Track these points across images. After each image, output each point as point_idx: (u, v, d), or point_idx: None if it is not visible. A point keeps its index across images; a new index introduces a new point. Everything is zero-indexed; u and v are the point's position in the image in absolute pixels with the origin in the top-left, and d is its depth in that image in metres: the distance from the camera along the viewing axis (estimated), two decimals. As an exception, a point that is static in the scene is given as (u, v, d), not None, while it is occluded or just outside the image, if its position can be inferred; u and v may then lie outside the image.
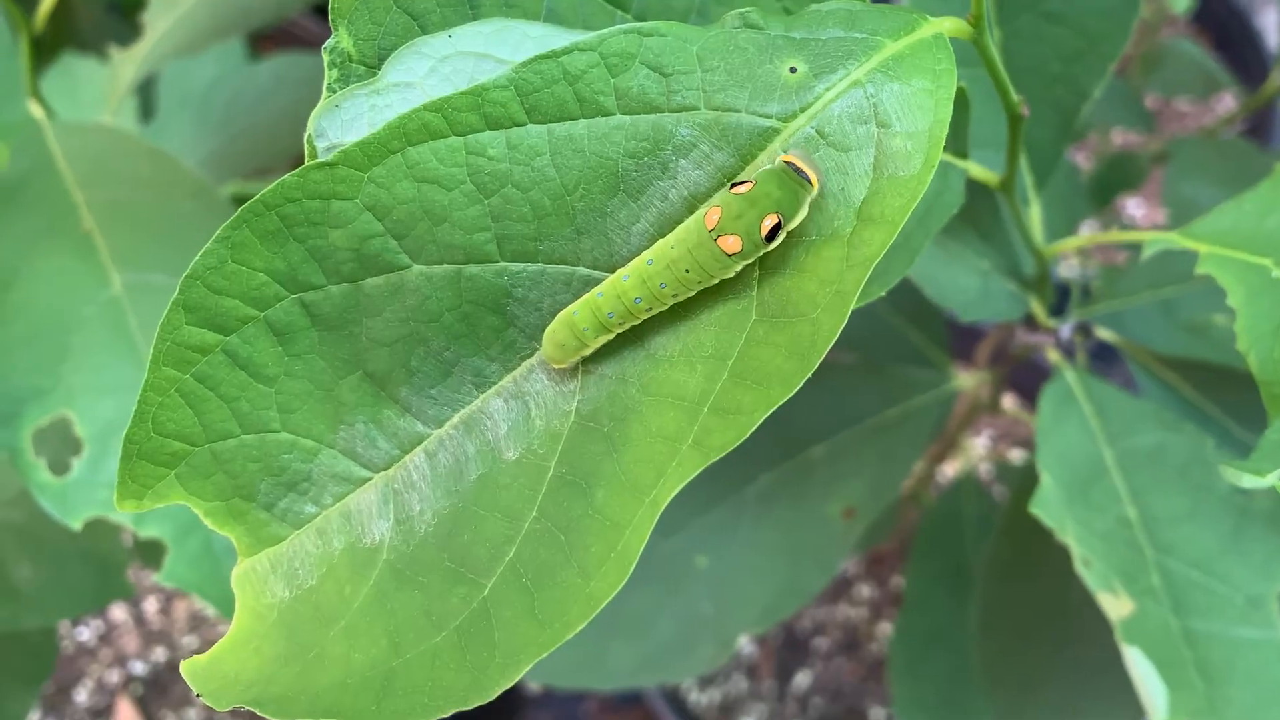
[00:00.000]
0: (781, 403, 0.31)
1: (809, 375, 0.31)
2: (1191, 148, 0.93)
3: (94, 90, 0.92)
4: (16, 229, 0.67)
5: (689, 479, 0.31)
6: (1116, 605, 0.54)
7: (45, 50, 0.91)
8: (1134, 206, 1.59)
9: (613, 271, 0.34)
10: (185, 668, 0.33)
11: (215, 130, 0.94)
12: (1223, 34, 1.69)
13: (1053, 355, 0.68)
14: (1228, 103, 1.65)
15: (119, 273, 0.66)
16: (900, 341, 0.89)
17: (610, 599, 0.30)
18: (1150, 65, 1.19)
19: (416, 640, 0.32)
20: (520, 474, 0.33)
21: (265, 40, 1.46)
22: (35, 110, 0.72)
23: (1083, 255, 1.17)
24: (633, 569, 0.30)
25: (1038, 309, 0.67)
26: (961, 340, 1.27)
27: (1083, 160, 1.53)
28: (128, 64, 0.82)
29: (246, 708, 0.32)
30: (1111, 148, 1.43)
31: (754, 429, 0.31)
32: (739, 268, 0.33)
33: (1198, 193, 0.88)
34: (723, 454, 0.31)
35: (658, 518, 0.31)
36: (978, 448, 1.40)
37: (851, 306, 0.32)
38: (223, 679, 0.33)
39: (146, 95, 1.00)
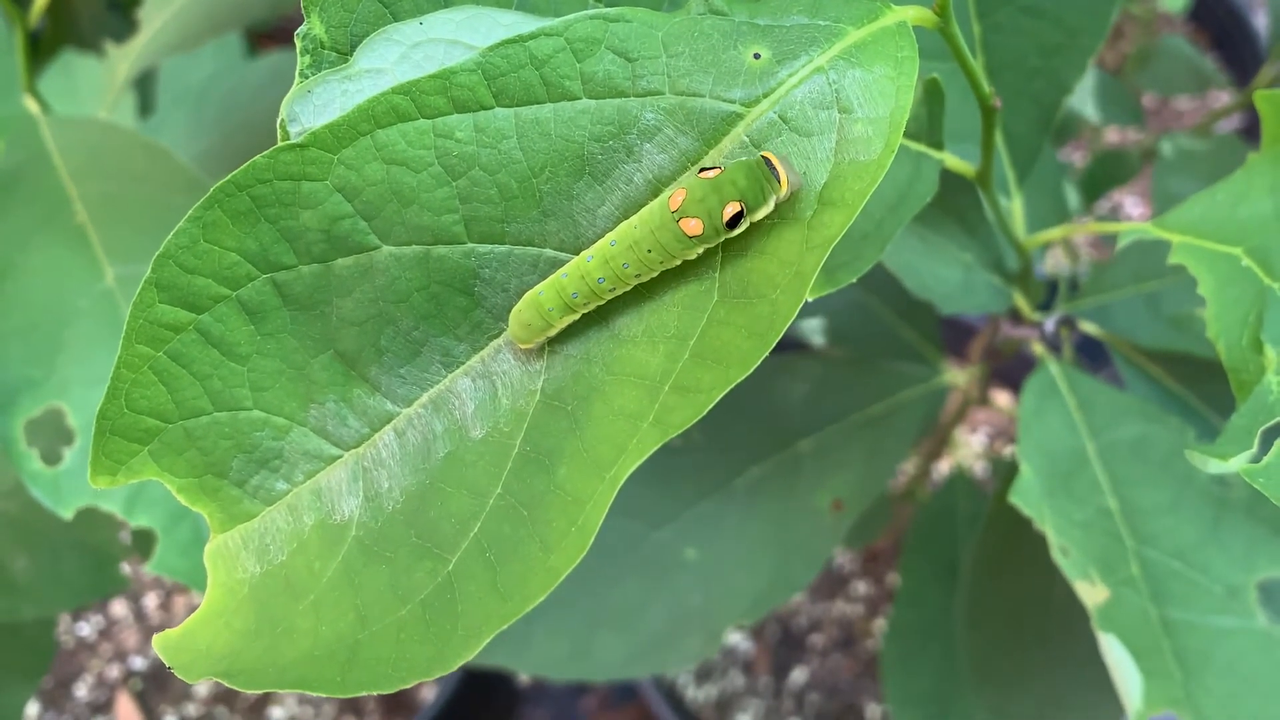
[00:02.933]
0: (739, 381, 0.32)
1: (766, 354, 0.32)
2: (1180, 144, 0.93)
3: (92, 86, 0.93)
4: (11, 222, 0.67)
5: (647, 455, 0.31)
6: (1092, 593, 0.55)
7: (44, 47, 0.92)
8: (1131, 205, 1.59)
9: (579, 253, 0.35)
10: (158, 641, 0.34)
11: (212, 125, 0.94)
12: (1221, 32, 1.70)
13: (1037, 348, 0.68)
14: (1227, 101, 1.65)
15: (112, 265, 0.67)
16: (892, 337, 0.90)
17: (569, 572, 0.31)
18: (1143, 62, 1.20)
19: (382, 613, 0.33)
20: (486, 452, 0.34)
21: (264, 38, 1.47)
22: (31, 105, 0.73)
23: (1071, 250, 1.18)
24: (591, 542, 0.31)
25: (1021, 302, 0.67)
26: (958, 336, 1.27)
27: (1080, 158, 1.53)
28: (123, 60, 0.83)
29: (216, 680, 0.33)
30: (1105, 144, 1.43)
31: (711, 406, 0.31)
32: (700, 250, 0.34)
33: (1185, 188, 0.88)
34: (680, 431, 0.31)
35: (616, 494, 0.31)
36: (974, 444, 1.40)
37: (809, 287, 0.32)
38: (194, 652, 0.34)
39: (145, 91, 1.01)
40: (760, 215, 0.34)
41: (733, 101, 0.34)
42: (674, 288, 0.35)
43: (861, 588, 1.33)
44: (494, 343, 0.35)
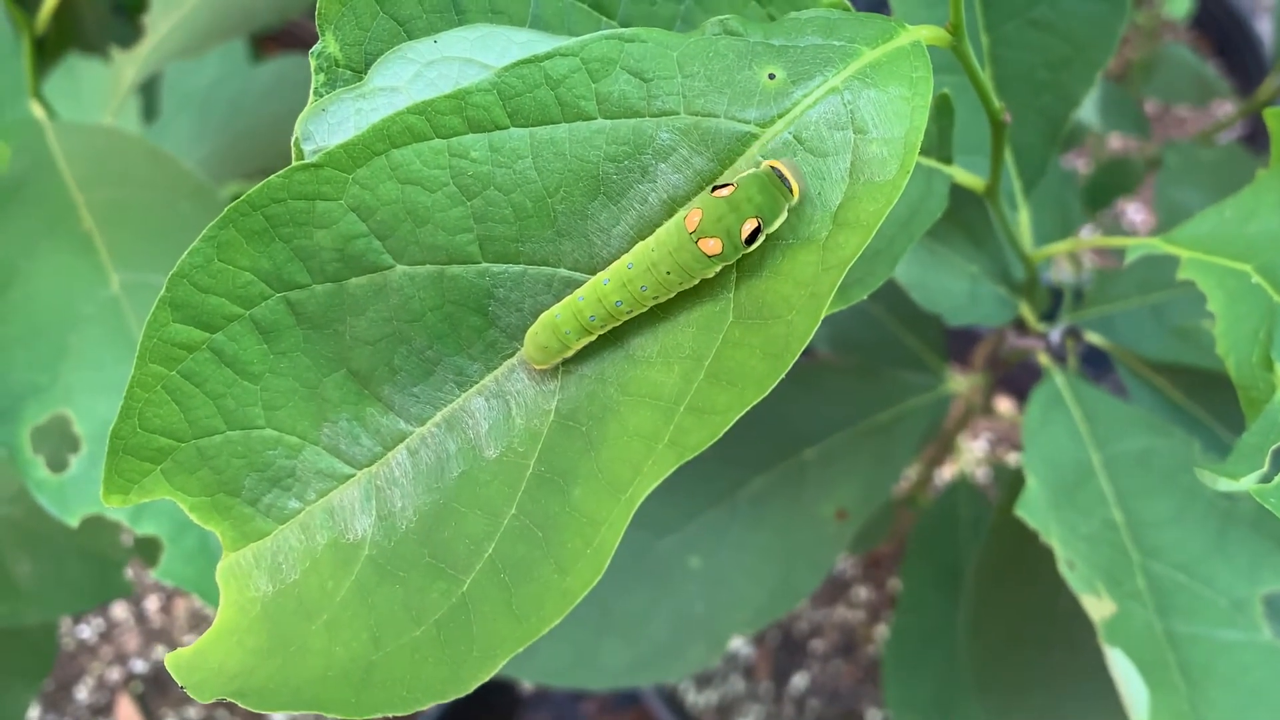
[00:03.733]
0: (755, 403, 0.32)
1: (782, 376, 0.32)
2: (1184, 153, 0.93)
3: (97, 91, 0.93)
4: (17, 228, 0.67)
5: (664, 477, 0.31)
6: (1099, 606, 0.55)
7: (49, 51, 0.92)
8: (1134, 211, 1.59)
9: (593, 273, 0.35)
10: (170, 660, 0.34)
11: (216, 131, 0.94)
12: (1223, 40, 1.70)
13: (1043, 359, 0.68)
14: (1229, 109, 1.65)
15: (118, 272, 0.67)
16: (897, 345, 0.90)
17: (585, 594, 0.31)
18: (1147, 71, 1.19)
19: (396, 634, 0.33)
20: (500, 472, 0.34)
21: (268, 42, 1.47)
22: (36, 110, 0.73)
23: (1076, 260, 1.18)
24: (607, 564, 0.31)
25: (1027, 313, 0.67)
26: (962, 345, 1.27)
27: (1083, 166, 1.53)
28: (129, 65, 0.83)
29: (229, 699, 0.33)
30: (1108, 153, 1.43)
31: (728, 428, 0.31)
32: (718, 268, 0.34)
33: (1188, 198, 0.89)
34: (697, 453, 0.31)
35: (633, 514, 0.31)
36: (976, 452, 1.40)
37: (826, 308, 0.32)
38: (206, 671, 0.34)
39: (150, 96, 1.01)
40: (776, 225, 0.34)
41: (747, 122, 0.34)
42: (689, 308, 0.35)
43: (863, 593, 1.33)
44: (508, 362, 0.35)
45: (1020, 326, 0.70)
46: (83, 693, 1.29)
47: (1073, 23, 0.57)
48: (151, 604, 1.34)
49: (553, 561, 0.32)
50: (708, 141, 0.34)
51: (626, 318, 0.34)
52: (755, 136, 0.34)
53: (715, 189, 0.34)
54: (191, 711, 1.27)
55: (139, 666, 1.30)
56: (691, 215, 0.34)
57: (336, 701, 0.32)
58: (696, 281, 0.34)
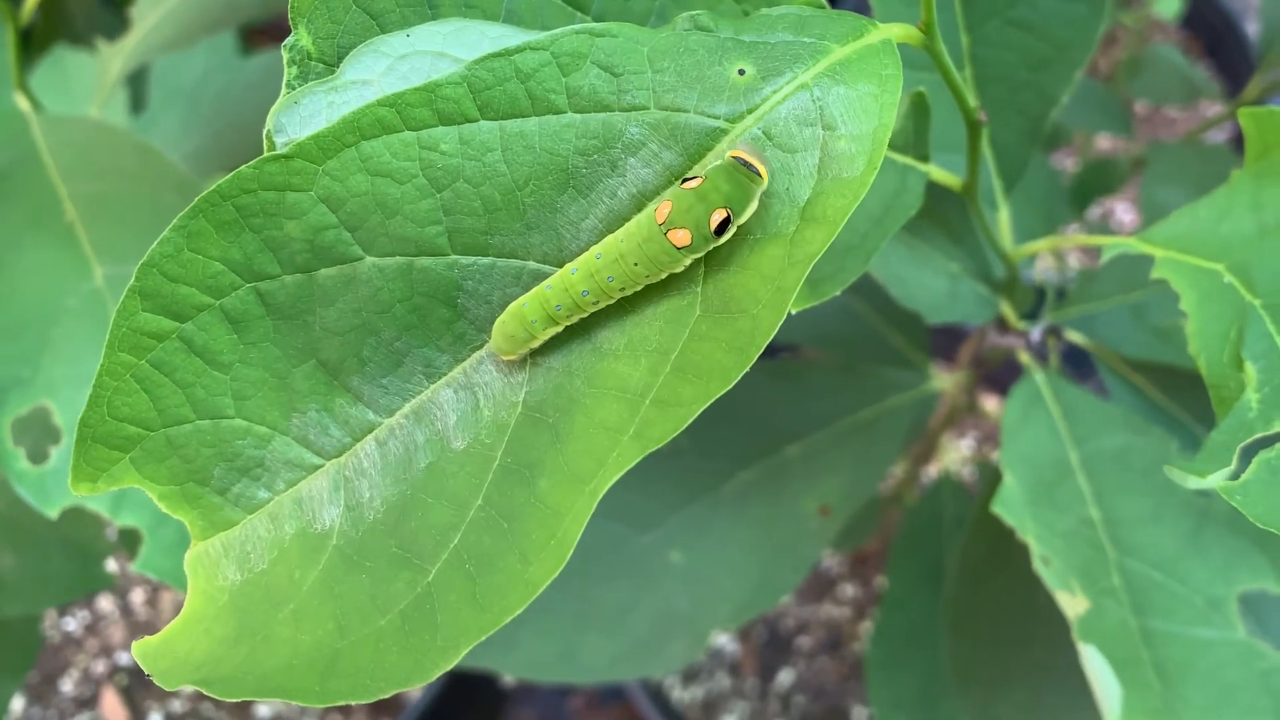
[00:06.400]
0: (719, 395, 0.32)
1: (747, 369, 0.32)
2: (1169, 153, 0.94)
3: (84, 82, 0.93)
4: (0, 220, 0.67)
5: (628, 468, 0.32)
6: (1073, 604, 0.55)
7: (36, 43, 0.92)
8: (1123, 211, 1.60)
9: (562, 266, 0.35)
10: (137, 648, 0.34)
11: (204, 123, 0.94)
12: (1214, 41, 1.70)
13: (1023, 357, 0.69)
14: (1219, 110, 1.65)
15: (101, 265, 0.67)
16: (880, 342, 0.90)
17: (547, 584, 0.31)
18: (1133, 71, 1.20)
19: (362, 623, 0.33)
20: (467, 463, 0.34)
21: (258, 35, 1.47)
22: (21, 102, 0.73)
23: (1059, 258, 1.18)
24: (570, 555, 0.31)
25: (1008, 311, 0.68)
26: (948, 341, 1.27)
27: (1071, 164, 1.53)
28: (116, 57, 0.83)
29: (195, 687, 0.33)
30: (1095, 152, 1.44)
31: (691, 420, 0.32)
32: (688, 261, 0.34)
33: (1173, 198, 0.89)
34: (660, 445, 0.32)
35: (595, 505, 0.31)
36: (962, 450, 1.40)
37: (790, 302, 0.32)
38: (173, 659, 0.34)
39: (138, 88, 1.01)
40: (747, 215, 0.34)
41: (717, 117, 0.35)
42: (656, 302, 0.35)
43: (849, 590, 1.33)
44: (476, 354, 0.35)
45: (1001, 325, 0.71)
46: (68, 685, 1.29)
47: (1052, 23, 0.57)
48: (137, 596, 1.34)
49: (517, 552, 0.32)
50: (677, 136, 0.35)
51: (593, 309, 0.34)
52: (725, 132, 0.35)
53: (684, 182, 0.34)
54: (176, 704, 1.27)
55: (124, 659, 1.30)
56: (661, 207, 0.34)
57: (301, 689, 0.32)
58: (664, 276, 0.34)
